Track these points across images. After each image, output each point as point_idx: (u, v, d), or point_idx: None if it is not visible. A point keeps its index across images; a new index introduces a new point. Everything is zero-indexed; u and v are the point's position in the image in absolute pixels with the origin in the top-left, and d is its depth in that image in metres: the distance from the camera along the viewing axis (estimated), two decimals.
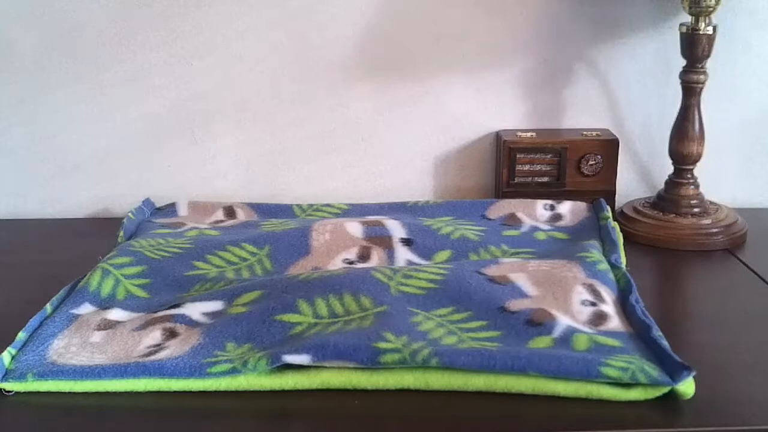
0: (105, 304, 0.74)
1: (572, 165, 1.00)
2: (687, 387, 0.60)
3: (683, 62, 0.93)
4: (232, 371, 0.62)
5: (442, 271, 0.75)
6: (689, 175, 0.96)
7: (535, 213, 0.94)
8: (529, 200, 0.96)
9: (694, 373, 0.60)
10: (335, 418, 0.60)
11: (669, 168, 0.97)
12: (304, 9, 1.02)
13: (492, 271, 0.76)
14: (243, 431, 0.60)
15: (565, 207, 0.95)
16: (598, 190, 1.00)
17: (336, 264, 0.82)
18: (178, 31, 1.02)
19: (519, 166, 1.00)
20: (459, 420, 0.59)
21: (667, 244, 0.92)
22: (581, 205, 0.96)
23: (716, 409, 0.61)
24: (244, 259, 0.83)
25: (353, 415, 0.60)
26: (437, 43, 1.03)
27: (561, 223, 0.93)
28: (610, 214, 0.92)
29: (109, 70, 1.02)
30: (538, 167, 1.01)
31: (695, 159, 0.95)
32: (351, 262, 0.82)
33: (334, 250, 0.84)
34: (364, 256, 0.83)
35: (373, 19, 1.02)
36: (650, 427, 0.58)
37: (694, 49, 0.91)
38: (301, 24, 1.02)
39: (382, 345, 0.63)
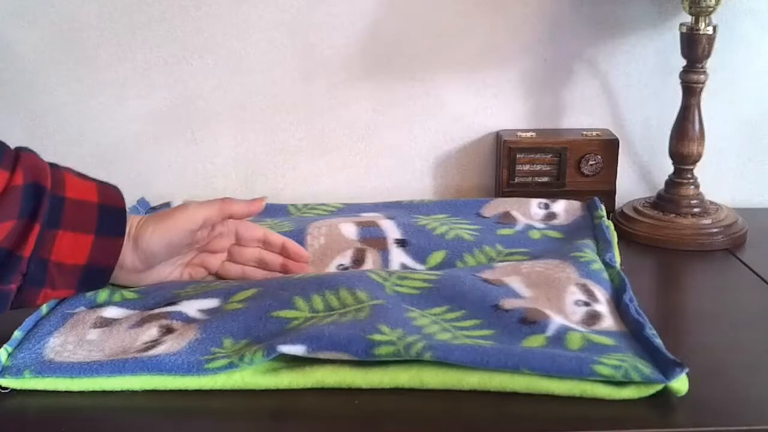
0: (100, 306, 0.74)
1: (572, 165, 1.00)
2: (680, 384, 0.60)
3: (683, 62, 0.93)
4: (230, 366, 0.62)
5: (437, 273, 0.76)
6: (689, 175, 0.96)
7: (530, 212, 0.94)
8: (524, 199, 0.97)
9: (686, 371, 0.60)
10: (330, 417, 0.60)
11: (669, 168, 0.97)
12: (304, 9, 1.02)
13: (486, 275, 0.77)
14: (239, 430, 0.60)
15: (560, 206, 0.95)
16: (598, 190, 1.00)
17: (330, 270, 0.82)
18: (178, 31, 1.02)
19: (519, 166, 1.01)
20: (454, 419, 0.59)
21: (667, 244, 0.92)
22: (575, 204, 0.96)
23: (715, 409, 0.61)
24: None
25: (348, 414, 0.60)
26: (437, 43, 1.03)
27: (555, 222, 0.93)
28: (604, 213, 0.92)
29: (109, 69, 1.02)
30: (538, 167, 1.01)
31: (695, 159, 0.95)
32: (345, 268, 0.82)
33: (329, 255, 0.84)
34: (358, 260, 0.83)
35: (373, 19, 1.03)
36: (649, 427, 0.58)
37: (694, 49, 0.91)
38: (301, 24, 1.02)
39: (377, 337, 0.63)
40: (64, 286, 0.70)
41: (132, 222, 0.74)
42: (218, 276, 0.80)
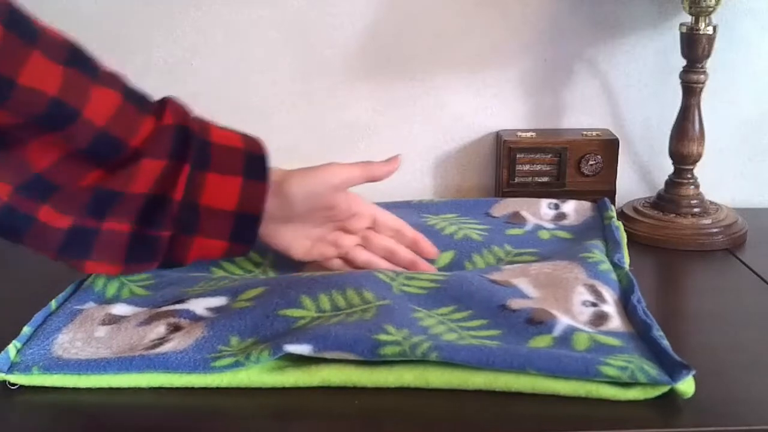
0: (109, 302, 0.75)
1: (572, 165, 1.00)
2: (686, 386, 0.60)
3: (683, 62, 0.93)
4: (236, 365, 0.62)
5: (444, 274, 0.76)
6: (689, 175, 0.96)
7: (540, 212, 0.94)
8: (534, 199, 0.96)
9: (693, 372, 0.60)
10: (336, 416, 0.60)
11: (669, 168, 0.97)
12: (304, 9, 1.02)
13: (494, 276, 0.77)
14: (245, 429, 0.60)
15: (570, 206, 0.95)
16: (598, 190, 1.00)
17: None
18: (178, 31, 1.02)
19: (519, 166, 1.01)
20: (459, 418, 0.59)
21: (667, 244, 0.92)
22: (585, 205, 0.95)
23: (716, 409, 0.61)
24: (249, 271, 0.83)
25: (354, 414, 0.60)
26: (437, 43, 1.03)
27: (565, 222, 0.93)
28: (614, 213, 0.92)
29: None
30: (538, 167, 1.01)
31: (695, 159, 0.95)
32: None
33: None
34: None
35: (373, 19, 1.03)
36: (650, 427, 0.58)
37: (694, 49, 0.91)
38: (301, 24, 1.02)
39: (383, 337, 0.63)
40: (216, 235, 0.71)
41: (275, 170, 0.74)
42: (346, 261, 0.80)
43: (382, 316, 0.67)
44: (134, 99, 0.70)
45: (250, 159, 0.72)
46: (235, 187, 0.70)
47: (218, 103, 1.04)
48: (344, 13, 1.02)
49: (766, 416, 0.60)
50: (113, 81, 0.70)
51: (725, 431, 0.58)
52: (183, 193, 0.68)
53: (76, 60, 0.68)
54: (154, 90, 1.03)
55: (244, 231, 0.72)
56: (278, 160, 1.06)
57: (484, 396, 0.61)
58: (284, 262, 0.83)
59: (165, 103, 0.71)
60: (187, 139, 0.69)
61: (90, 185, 0.69)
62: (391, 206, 0.96)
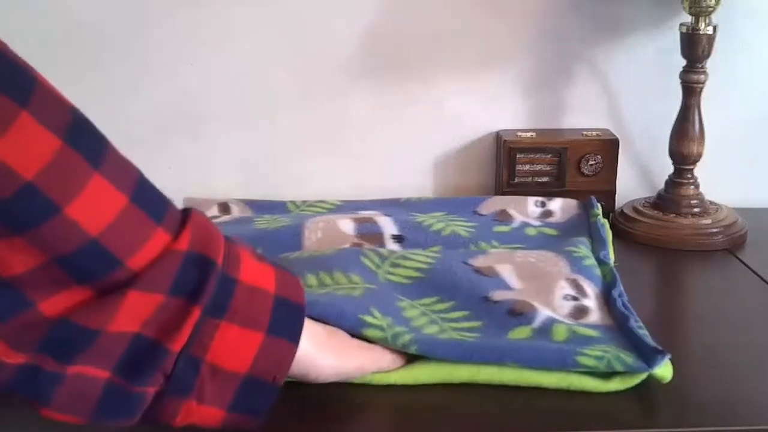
0: None
1: (572, 165, 1.00)
2: (663, 371, 0.60)
3: (683, 62, 0.93)
4: None
5: (429, 260, 0.76)
6: (689, 175, 0.96)
7: (527, 209, 0.94)
8: (521, 197, 0.97)
9: (669, 357, 0.60)
10: (321, 407, 0.60)
11: (669, 168, 0.97)
12: (303, 9, 1.02)
13: (479, 261, 0.77)
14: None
15: (556, 204, 0.95)
16: (598, 190, 1.00)
17: None
18: (178, 31, 1.02)
19: (519, 166, 1.00)
20: (443, 412, 0.60)
21: (667, 244, 0.92)
22: (572, 203, 0.96)
23: (716, 409, 0.61)
24: None
25: (338, 405, 0.61)
26: (437, 43, 1.03)
27: (551, 220, 0.93)
28: (600, 211, 0.92)
29: (110, 70, 1.02)
30: (538, 167, 1.01)
31: (695, 159, 0.95)
32: None
33: (326, 248, 0.84)
34: None
35: (373, 19, 1.02)
36: (648, 427, 0.58)
37: (694, 49, 0.91)
38: (300, 24, 1.02)
39: (368, 319, 0.64)
40: (214, 402, 0.52)
41: (313, 333, 0.58)
42: None
43: (369, 298, 0.67)
44: (145, 203, 0.51)
45: (281, 309, 0.54)
46: (253, 345, 0.53)
47: (218, 103, 1.05)
48: (344, 13, 1.02)
49: (766, 416, 0.60)
50: (120, 173, 0.51)
51: (726, 431, 0.58)
52: (185, 344, 0.50)
53: (75, 133, 0.48)
54: (154, 90, 1.03)
55: (250, 400, 0.53)
56: (279, 160, 1.06)
57: (468, 389, 0.62)
58: (276, 246, 0.83)
59: (186, 218, 0.53)
60: (204, 273, 0.51)
61: (56, 315, 0.49)
62: (379, 205, 0.97)
